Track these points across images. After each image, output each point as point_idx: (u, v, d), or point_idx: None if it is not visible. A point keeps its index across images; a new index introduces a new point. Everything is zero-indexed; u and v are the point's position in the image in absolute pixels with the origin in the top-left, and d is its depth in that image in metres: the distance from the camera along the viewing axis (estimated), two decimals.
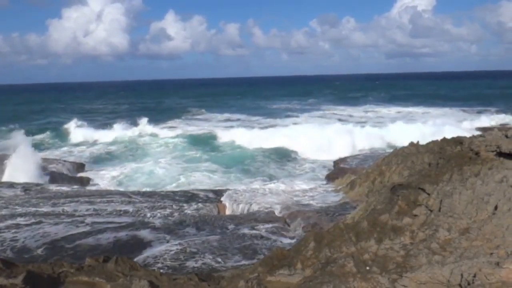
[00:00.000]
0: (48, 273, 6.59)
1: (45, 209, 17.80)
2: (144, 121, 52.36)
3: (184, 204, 18.85)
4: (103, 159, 37.12)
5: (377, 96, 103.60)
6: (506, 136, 9.76)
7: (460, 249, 7.04)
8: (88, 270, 7.00)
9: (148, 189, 24.98)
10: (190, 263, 12.40)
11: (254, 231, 15.09)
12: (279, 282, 7.37)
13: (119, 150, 40.44)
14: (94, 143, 44.73)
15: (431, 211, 8.07)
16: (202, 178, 29.00)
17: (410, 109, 69.74)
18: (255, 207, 18.57)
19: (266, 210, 17.87)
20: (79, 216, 16.93)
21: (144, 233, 14.94)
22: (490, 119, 51.34)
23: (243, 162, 33.33)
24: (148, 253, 13.35)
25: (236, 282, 6.89)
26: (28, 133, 44.18)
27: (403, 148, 18.44)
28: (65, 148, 42.23)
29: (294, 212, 17.24)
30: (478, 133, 17.65)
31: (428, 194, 8.45)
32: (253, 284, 6.54)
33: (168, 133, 47.95)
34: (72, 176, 28.76)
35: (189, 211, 17.97)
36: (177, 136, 45.49)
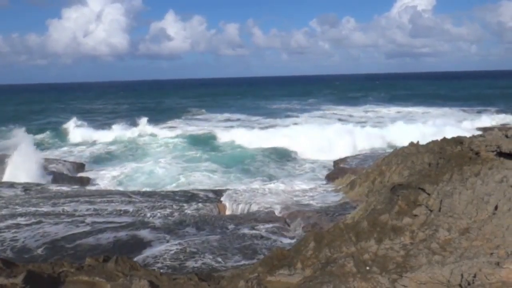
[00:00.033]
0: (48, 273, 6.59)
1: (45, 209, 17.80)
2: (144, 121, 52.34)
3: (184, 204, 18.85)
4: (103, 159, 37.13)
5: (377, 96, 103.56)
6: (506, 136, 9.75)
7: (460, 249, 7.04)
8: (88, 270, 7.00)
9: (148, 189, 24.95)
10: (190, 263, 12.40)
11: (254, 231, 15.09)
12: (279, 282, 7.36)
13: (119, 150, 40.44)
14: (94, 143, 44.74)
15: (431, 211, 8.07)
16: (202, 178, 29.02)
17: (410, 109, 69.74)
18: (255, 207, 18.56)
19: (266, 210, 17.86)
20: (79, 216, 16.93)
21: (144, 233, 14.94)
22: (490, 119, 51.37)
23: (243, 162, 33.34)
24: (148, 253, 13.36)
25: (236, 282, 6.89)
26: (28, 133, 44.14)
27: (403, 148, 18.43)
28: (65, 148, 42.26)
29: (294, 212, 17.23)
30: (478, 133, 17.61)
31: (428, 194, 8.45)
32: (253, 284, 6.54)
33: (168, 133, 47.96)
34: (72, 176, 28.71)
35: (189, 211, 17.97)
36: (177, 136, 45.52)
